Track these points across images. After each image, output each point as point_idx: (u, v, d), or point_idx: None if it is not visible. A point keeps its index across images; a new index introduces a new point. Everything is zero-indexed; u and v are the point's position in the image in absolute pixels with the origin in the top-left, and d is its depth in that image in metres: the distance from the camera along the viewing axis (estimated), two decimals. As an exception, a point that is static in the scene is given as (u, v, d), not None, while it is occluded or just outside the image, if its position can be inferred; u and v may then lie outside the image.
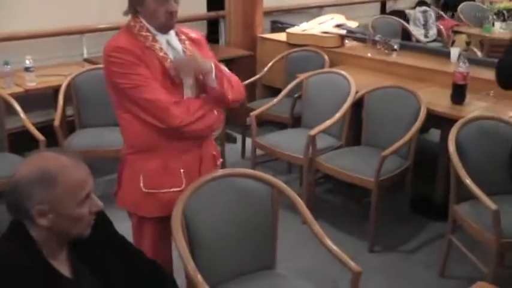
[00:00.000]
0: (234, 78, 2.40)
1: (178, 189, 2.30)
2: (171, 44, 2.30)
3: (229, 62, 5.45)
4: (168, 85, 2.23)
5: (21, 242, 1.57)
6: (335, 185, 4.29)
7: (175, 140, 2.27)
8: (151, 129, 2.22)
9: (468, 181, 2.89)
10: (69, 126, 4.30)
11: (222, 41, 5.94)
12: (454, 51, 4.47)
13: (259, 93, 5.32)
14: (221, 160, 2.61)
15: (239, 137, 5.12)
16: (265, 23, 6.06)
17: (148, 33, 2.24)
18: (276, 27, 6.08)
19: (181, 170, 2.32)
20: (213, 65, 2.28)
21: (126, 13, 2.29)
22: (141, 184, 2.29)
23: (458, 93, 3.72)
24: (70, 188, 1.57)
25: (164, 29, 2.27)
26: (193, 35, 2.43)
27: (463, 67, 3.69)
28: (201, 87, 2.33)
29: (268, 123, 5.08)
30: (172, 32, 2.32)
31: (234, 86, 2.36)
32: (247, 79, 5.01)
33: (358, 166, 3.58)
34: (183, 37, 2.37)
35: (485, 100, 3.84)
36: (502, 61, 2.82)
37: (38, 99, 4.48)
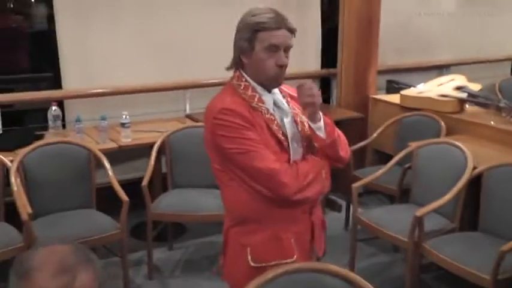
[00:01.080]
0: (341, 133, 2.18)
1: (290, 260, 2.08)
2: (278, 104, 2.10)
3: (339, 124, 5.12)
4: (275, 149, 2.03)
5: None
6: (446, 272, 3.77)
7: (286, 209, 2.06)
8: (260, 198, 2.02)
9: None
10: (164, 184, 4.14)
11: (333, 100, 5.63)
12: None
13: (369, 159, 4.93)
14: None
15: (344, 205, 4.73)
16: (381, 82, 5.69)
17: (254, 93, 2.04)
18: (392, 87, 5.67)
19: (292, 240, 2.10)
20: (321, 114, 2.08)
21: (229, 68, 2.11)
22: (249, 258, 2.09)
23: None
24: None
25: (271, 85, 2.07)
26: (293, 93, 2.18)
27: None
28: (308, 148, 2.12)
29: (377, 192, 4.66)
30: (277, 91, 2.12)
31: (343, 142, 2.15)
32: (357, 143, 4.65)
33: (471, 258, 3.06)
34: (284, 94, 2.17)
35: None
36: None
37: (134, 153, 4.37)
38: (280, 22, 1.99)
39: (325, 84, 5.70)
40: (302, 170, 2.03)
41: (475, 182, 3.51)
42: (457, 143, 3.70)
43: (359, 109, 5.16)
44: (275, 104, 2.09)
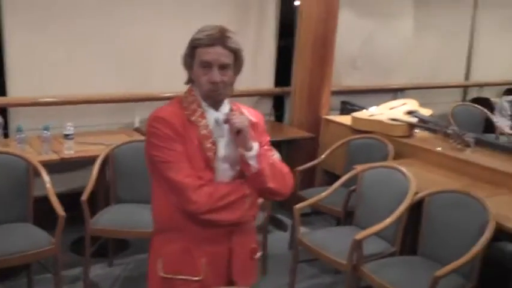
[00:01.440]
0: (281, 166, 2.13)
1: (195, 278, 2.07)
2: (219, 123, 2.07)
3: (290, 143, 5.13)
4: (201, 166, 2.01)
5: None
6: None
7: (198, 226, 2.03)
8: (175, 209, 2.03)
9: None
10: (107, 198, 4.05)
11: (285, 119, 5.62)
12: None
13: (319, 179, 4.94)
14: (260, 253, 2.32)
15: (291, 224, 4.70)
16: (335, 103, 5.73)
17: (198, 108, 2.05)
18: (346, 108, 5.71)
19: (203, 260, 2.07)
20: (257, 145, 2.05)
21: (186, 82, 2.12)
22: (160, 268, 2.09)
23: (536, 208, 3.18)
24: None
25: (209, 99, 2.05)
26: (250, 117, 2.16)
27: (543, 177, 3.17)
28: (242, 173, 2.08)
29: (324, 213, 4.65)
30: (225, 109, 2.10)
31: (277, 174, 2.08)
32: (308, 163, 4.65)
33: (407, 282, 3.07)
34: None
35: None
36: None
37: (80, 164, 4.28)
38: (215, 39, 1.98)
39: (279, 103, 5.70)
40: (219, 192, 2.00)
41: (418, 207, 3.53)
42: (400, 167, 3.72)
43: (311, 129, 5.17)
44: (217, 122, 2.07)
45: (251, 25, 5.31)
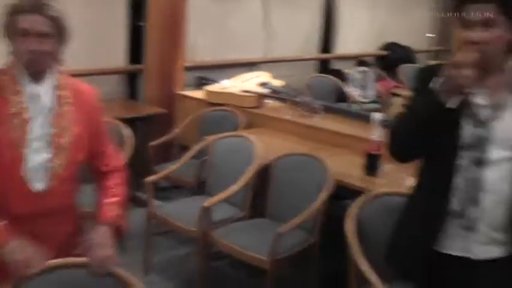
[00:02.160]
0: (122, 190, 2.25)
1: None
2: (36, 99, 1.96)
3: (145, 120, 5.09)
4: (9, 145, 1.92)
5: None
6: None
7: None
8: None
9: (365, 268, 2.50)
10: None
11: (139, 96, 5.55)
12: (376, 116, 4.14)
13: (175, 154, 4.94)
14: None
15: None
16: (190, 79, 5.74)
17: (14, 82, 1.94)
18: (201, 83, 5.73)
19: (12, 239, 1.91)
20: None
21: (9, 53, 1.97)
22: None
23: (371, 164, 3.38)
24: None
25: (29, 70, 1.94)
26: (83, 88, 2.12)
27: (376, 135, 3.37)
28: (55, 155, 1.99)
29: (181, 186, 4.67)
30: (48, 83, 1.99)
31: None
32: (162, 137, 4.65)
33: (253, 243, 3.17)
34: (65, 92, 2.04)
35: (405, 171, 3.44)
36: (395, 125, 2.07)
37: None
38: (32, 7, 1.91)
39: (133, 80, 5.61)
40: None
41: (267, 172, 3.63)
42: (248, 135, 3.82)
43: (165, 105, 5.14)
44: (33, 98, 1.97)
45: (98, 3, 5.16)
